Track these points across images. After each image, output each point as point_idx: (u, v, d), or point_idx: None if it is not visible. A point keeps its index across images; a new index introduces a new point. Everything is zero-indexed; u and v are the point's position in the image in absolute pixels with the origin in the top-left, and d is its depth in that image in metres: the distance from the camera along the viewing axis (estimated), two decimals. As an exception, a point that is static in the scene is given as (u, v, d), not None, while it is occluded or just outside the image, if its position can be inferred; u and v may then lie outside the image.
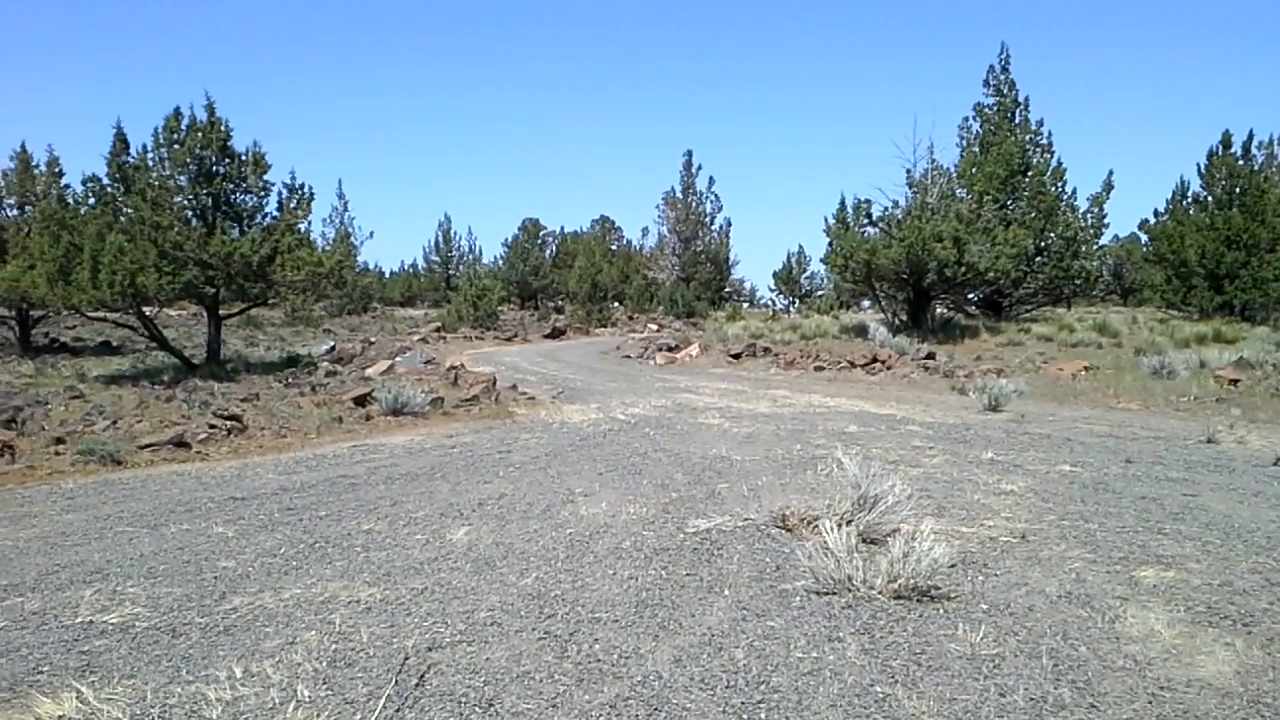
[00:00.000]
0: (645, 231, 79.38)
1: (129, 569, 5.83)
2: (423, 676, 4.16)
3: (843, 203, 29.44)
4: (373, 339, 33.20)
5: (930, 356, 22.65)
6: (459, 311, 44.61)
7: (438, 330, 42.20)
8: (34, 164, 33.83)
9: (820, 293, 56.91)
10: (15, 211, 33.64)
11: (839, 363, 22.96)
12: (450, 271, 73.27)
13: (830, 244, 29.17)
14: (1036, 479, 8.93)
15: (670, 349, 28.80)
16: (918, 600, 5.23)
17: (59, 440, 10.53)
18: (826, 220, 29.69)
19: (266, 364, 21.68)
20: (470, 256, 75.01)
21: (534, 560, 6.07)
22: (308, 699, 3.91)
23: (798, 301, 56.74)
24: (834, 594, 5.31)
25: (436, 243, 75.46)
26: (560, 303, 63.81)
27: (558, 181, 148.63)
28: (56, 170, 33.19)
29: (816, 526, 6.39)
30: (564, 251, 73.15)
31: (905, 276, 28.13)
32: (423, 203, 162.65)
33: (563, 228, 79.22)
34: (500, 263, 71.04)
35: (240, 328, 35.98)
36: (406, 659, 4.34)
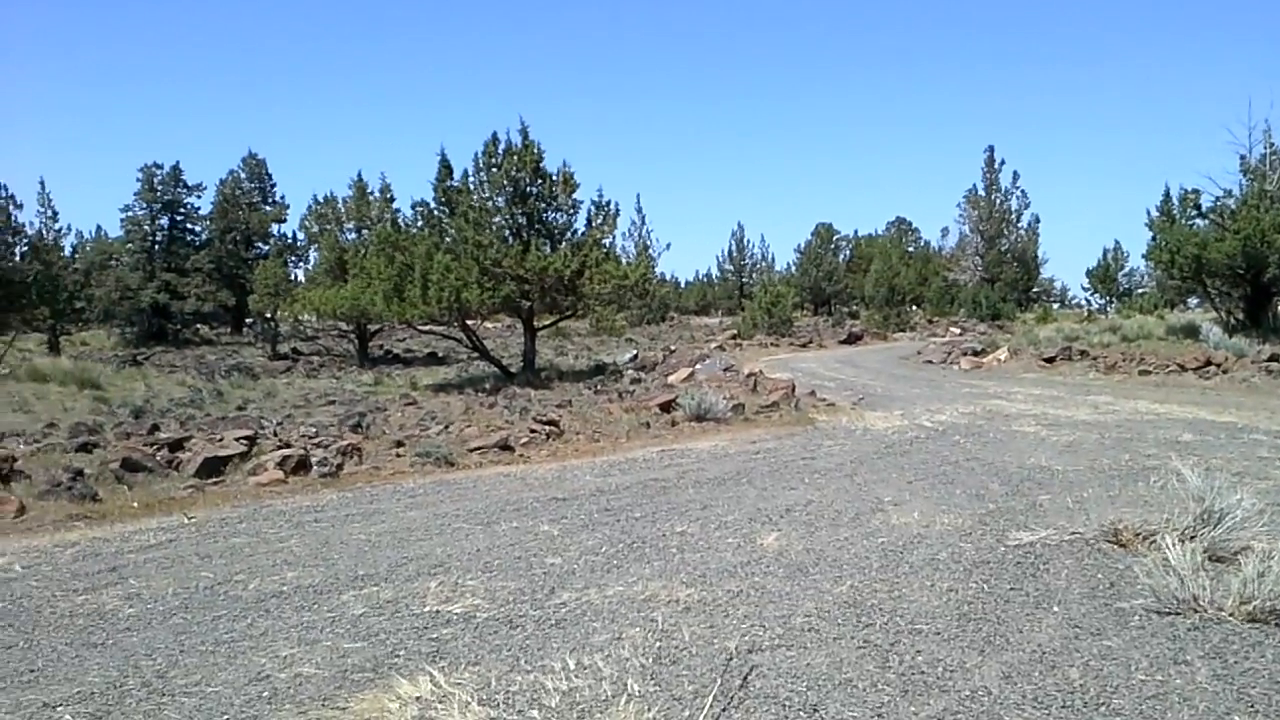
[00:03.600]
0: (945, 232, 76.77)
1: (467, 563, 6.28)
2: (745, 678, 4.22)
3: (1167, 193, 27.22)
4: (672, 347, 34.09)
5: (1274, 359, 20.50)
6: (753, 319, 44.95)
7: (733, 338, 42.75)
8: (369, 191, 37.25)
9: (1141, 291, 52.90)
10: (353, 235, 37.19)
11: (1166, 366, 21.25)
12: (743, 279, 74.00)
13: (1154, 238, 27.03)
14: None
15: (975, 353, 27.71)
16: (1277, 624, 4.76)
17: (399, 443, 11.50)
18: (1149, 213, 27.55)
19: (576, 372, 22.77)
20: (763, 264, 75.47)
21: (847, 568, 6.01)
22: (637, 693, 4.06)
23: (1115, 301, 52.96)
24: (1178, 614, 4.93)
25: (729, 251, 76.46)
26: (854, 308, 62.95)
27: (851, 185, 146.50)
28: (389, 196, 36.41)
29: (1154, 542, 5.94)
30: (858, 255, 72.05)
31: (1241, 271, 25.62)
32: (716, 213, 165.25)
33: (856, 231, 78.11)
34: (793, 269, 71.00)
35: (550, 338, 37.89)
36: (730, 659, 4.43)
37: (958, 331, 44.21)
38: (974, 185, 61.82)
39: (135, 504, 8.69)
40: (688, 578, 5.83)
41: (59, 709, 4.02)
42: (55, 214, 40.11)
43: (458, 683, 4.21)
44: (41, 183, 67.48)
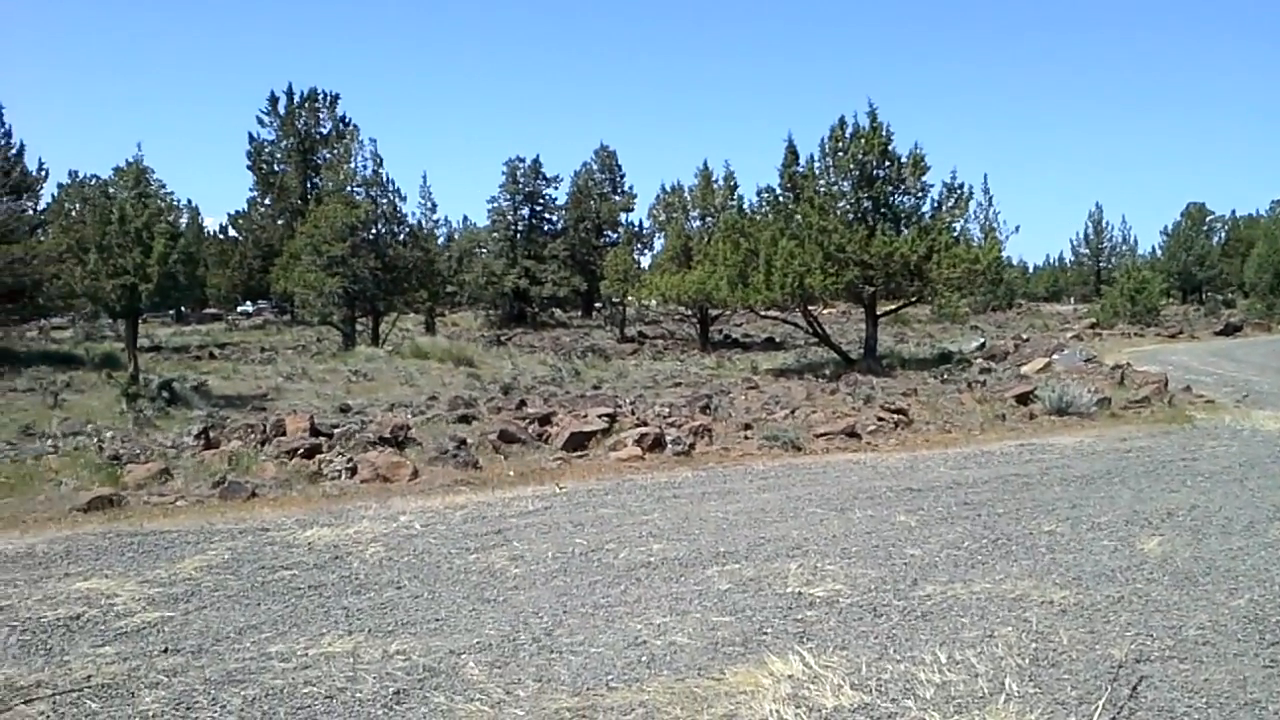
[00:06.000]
0: (1346, 211, 67.79)
1: (825, 548, 6.29)
2: (1135, 688, 3.95)
3: None
4: (1024, 335, 32.41)
5: None
6: (1114, 306, 41.85)
7: (1091, 326, 39.99)
8: (714, 179, 38.08)
9: None
10: (698, 222, 38.20)
11: None
12: (1101, 264, 69.10)
13: None
14: None
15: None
16: None
17: (746, 426, 11.70)
18: None
19: (919, 360, 22.20)
20: (1124, 247, 70.12)
21: (1244, 580, 5.47)
22: (1016, 693, 3.91)
23: None
24: None
25: (1085, 234, 71.74)
26: (1230, 295, 57.07)
27: (1227, 162, 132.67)
28: (732, 184, 37.04)
29: None
30: (1235, 238, 65.13)
31: None
32: (1069, 193, 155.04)
33: (1233, 211, 70.60)
34: (1159, 253, 65.36)
35: (889, 324, 37.16)
36: (1119, 667, 4.16)
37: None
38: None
39: (511, 473, 9.39)
40: (1060, 579, 5.53)
41: (463, 656, 4.42)
42: (434, 206, 44.09)
43: (827, 665, 4.24)
44: (423, 177, 74.65)
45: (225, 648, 4.54)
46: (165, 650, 4.51)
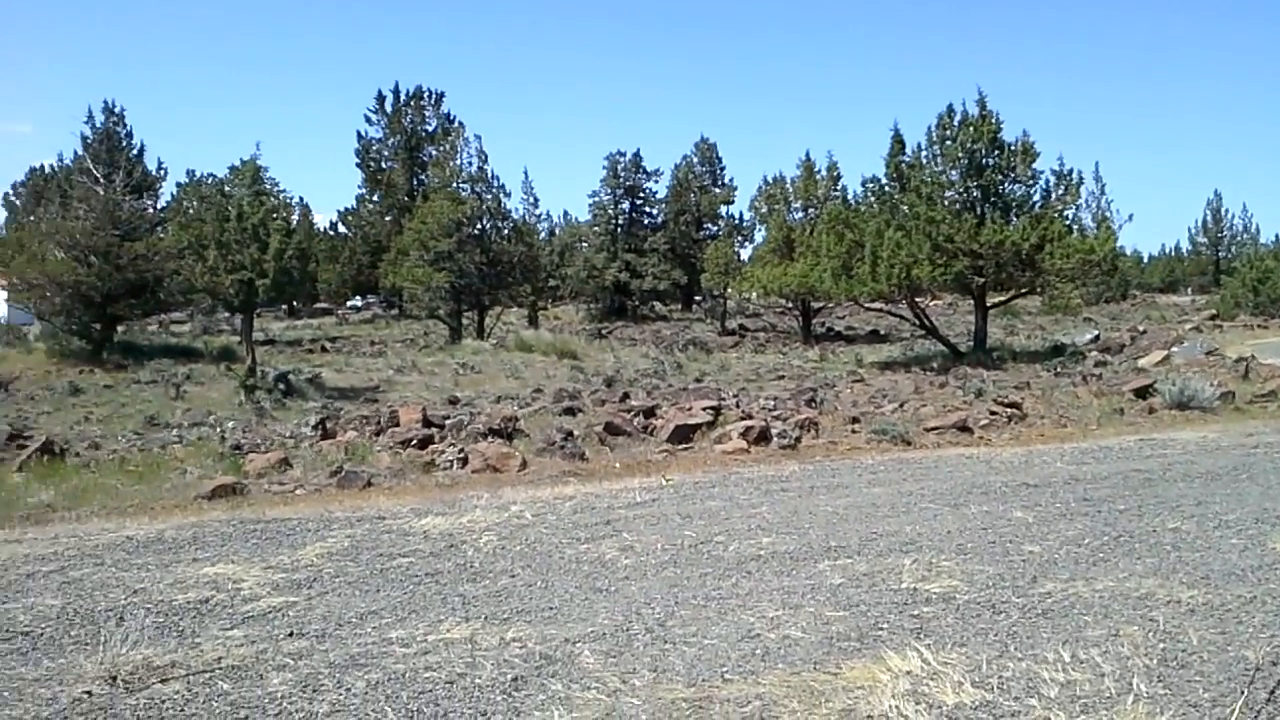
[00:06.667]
0: None
1: (939, 544, 6.19)
2: (1273, 692, 3.79)
3: None
4: (1140, 327, 31.38)
5: None
6: (1235, 297, 40.30)
7: (1211, 318, 38.52)
8: (816, 170, 37.72)
9: None
10: (800, 214, 37.88)
11: None
12: (1220, 254, 66.52)
13: None
14: None
15: None
16: None
17: (854, 420, 11.57)
18: None
19: (1030, 352, 21.66)
20: (1245, 236, 67.36)
21: (1388, 583, 5.22)
22: (1145, 694, 3.78)
23: None
24: None
25: (1204, 223, 69.15)
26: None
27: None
28: (835, 175, 36.65)
29: None
30: (1370, 225, 62.04)
31: None
32: (1184, 181, 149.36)
33: (1369, 197, 67.21)
34: (1284, 241, 62.67)
35: (997, 316, 36.30)
36: (1255, 670, 4.00)
37: None
38: None
39: (617, 464, 9.47)
40: (1188, 578, 5.34)
41: (578, 645, 4.46)
42: (536, 201, 44.59)
43: (945, 661, 4.16)
44: (525, 172, 75.32)
45: (348, 632, 4.67)
46: (290, 634, 4.65)
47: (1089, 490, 7.78)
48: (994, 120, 19.64)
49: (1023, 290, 21.96)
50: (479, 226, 34.80)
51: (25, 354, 24.95)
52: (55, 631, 4.70)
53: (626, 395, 14.82)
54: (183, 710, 3.76)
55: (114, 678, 4.02)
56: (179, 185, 49.70)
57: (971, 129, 19.49)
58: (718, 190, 57.04)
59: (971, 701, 3.76)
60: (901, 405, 12.60)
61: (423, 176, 50.37)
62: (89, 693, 3.92)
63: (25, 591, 5.36)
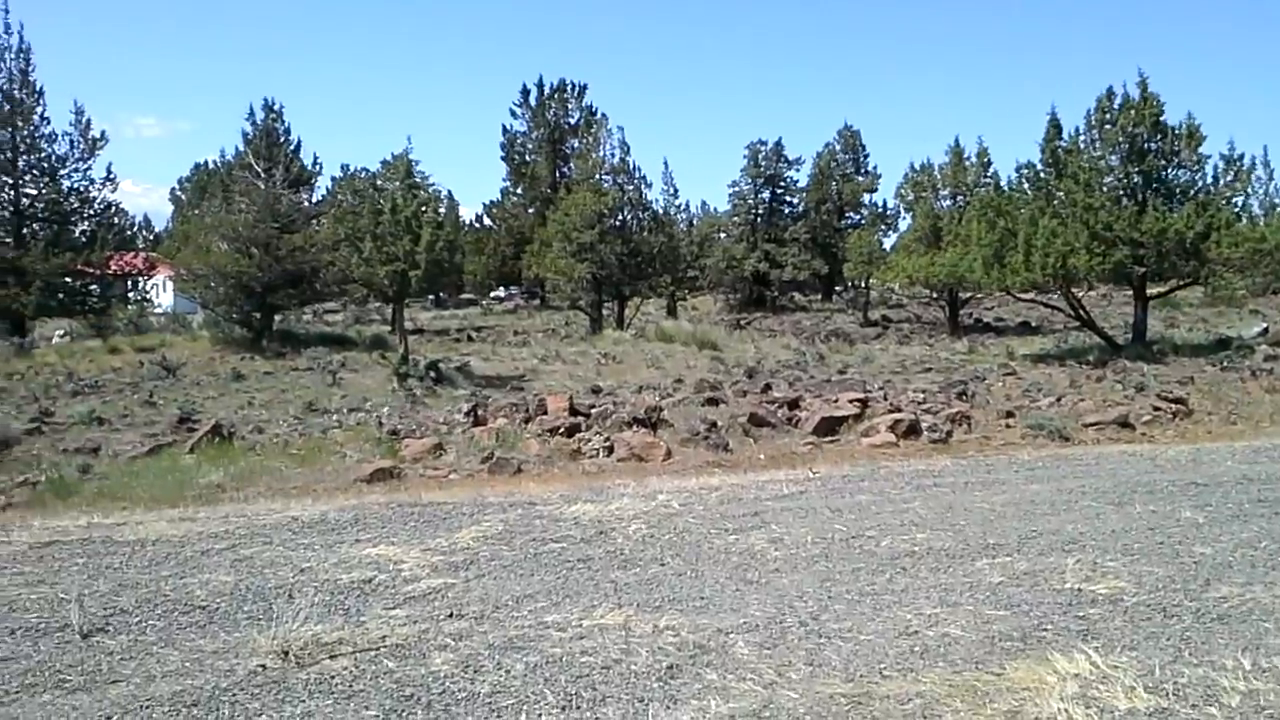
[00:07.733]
0: None
1: (1104, 543, 5.95)
2: None
3: None
4: (1315, 320, 29.52)
5: None
6: None
7: (1397, 310, 35.99)
8: (965, 156, 36.68)
9: None
10: (948, 202, 36.89)
11: None
12: None
13: None
14: None
15: None
16: None
17: (1008, 414, 11.24)
18: None
19: (1193, 346, 20.62)
20: None
21: None
22: (1338, 710, 3.57)
23: None
24: None
25: (1389, 208, 64.42)
26: None
27: None
28: (985, 161, 35.57)
29: None
30: None
31: None
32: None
33: None
34: None
35: (1157, 308, 34.70)
36: None
37: None
38: None
39: (761, 456, 9.42)
40: (1377, 587, 5.01)
41: (731, 635, 4.46)
42: (675, 191, 44.63)
43: (1115, 665, 4.00)
44: (665, 163, 75.79)
45: (505, 615, 4.77)
46: (450, 615, 4.78)
47: (1263, 491, 7.38)
48: (1156, 103, 18.73)
49: (1186, 281, 20.89)
50: (620, 218, 35.06)
51: (191, 341, 26.40)
52: (229, 606, 4.94)
53: (768, 386, 14.72)
54: (351, 686, 3.90)
55: (286, 652, 4.20)
56: (333, 180, 51.65)
57: (1132, 112, 18.62)
58: (861, 178, 56.01)
59: (1145, 708, 3.61)
60: (1058, 400, 12.16)
61: (565, 168, 51.07)
62: (264, 666, 4.11)
63: (200, 568, 5.64)
